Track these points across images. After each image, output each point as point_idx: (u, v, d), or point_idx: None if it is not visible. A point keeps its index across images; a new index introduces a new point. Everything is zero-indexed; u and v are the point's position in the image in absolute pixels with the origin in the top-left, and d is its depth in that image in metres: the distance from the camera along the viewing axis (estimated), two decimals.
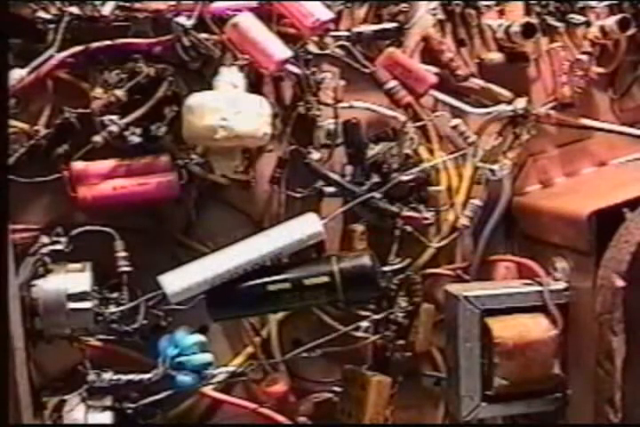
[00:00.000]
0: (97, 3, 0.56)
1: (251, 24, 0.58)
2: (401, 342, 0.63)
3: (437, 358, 0.66)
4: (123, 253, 0.56)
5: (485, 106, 0.66)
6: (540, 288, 0.62)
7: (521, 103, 0.66)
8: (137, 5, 0.56)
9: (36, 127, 0.56)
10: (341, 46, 0.62)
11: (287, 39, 0.59)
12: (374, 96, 0.63)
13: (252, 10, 0.58)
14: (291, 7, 0.58)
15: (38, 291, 0.54)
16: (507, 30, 0.66)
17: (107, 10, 0.56)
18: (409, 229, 0.63)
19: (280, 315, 0.62)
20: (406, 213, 0.63)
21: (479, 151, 0.66)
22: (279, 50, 0.57)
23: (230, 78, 0.57)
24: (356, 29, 0.62)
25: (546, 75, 0.69)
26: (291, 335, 0.63)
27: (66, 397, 0.56)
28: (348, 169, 0.63)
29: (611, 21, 0.68)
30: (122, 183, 0.57)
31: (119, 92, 0.56)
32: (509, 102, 0.66)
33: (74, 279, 0.54)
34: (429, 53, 0.65)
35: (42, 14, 0.55)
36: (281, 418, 0.62)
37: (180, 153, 0.58)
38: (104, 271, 0.56)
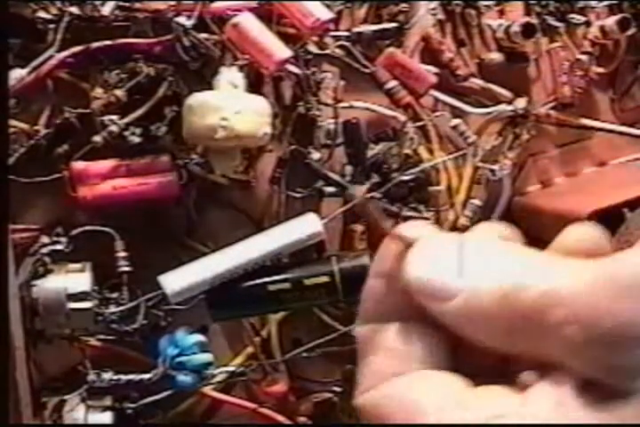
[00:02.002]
0: (97, 3, 0.56)
1: (251, 24, 0.57)
2: None
3: None
4: (123, 253, 0.56)
5: (485, 106, 0.66)
6: None
7: (521, 103, 0.66)
8: (137, 5, 0.56)
9: (35, 127, 0.56)
10: (341, 46, 0.62)
11: (287, 39, 0.59)
12: (374, 96, 0.63)
13: (251, 10, 0.58)
14: (291, 7, 0.58)
15: (38, 291, 0.54)
16: (507, 30, 0.66)
17: (107, 10, 0.56)
18: None
19: (280, 315, 0.62)
20: (406, 213, 0.63)
21: (479, 151, 0.66)
22: (279, 50, 0.57)
23: (230, 78, 0.57)
24: (355, 29, 0.62)
25: (546, 75, 0.69)
26: (291, 335, 0.63)
27: (66, 397, 0.55)
28: (348, 169, 0.63)
29: (611, 21, 0.68)
30: (122, 183, 0.57)
31: (119, 92, 0.56)
32: (509, 102, 0.66)
33: (74, 279, 0.54)
34: (429, 53, 0.65)
35: (42, 14, 0.55)
36: (281, 418, 0.62)
37: (180, 153, 0.58)
38: (104, 271, 0.56)
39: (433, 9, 0.64)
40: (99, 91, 0.56)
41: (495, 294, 0.24)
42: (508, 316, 0.24)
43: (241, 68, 0.57)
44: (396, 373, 0.25)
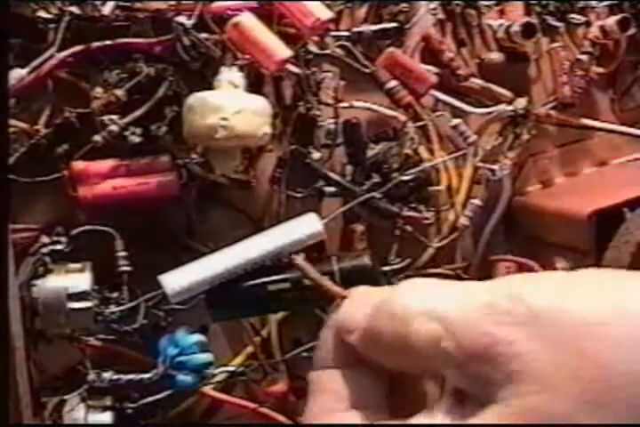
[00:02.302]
0: (97, 2, 0.56)
1: (251, 24, 0.58)
2: None
3: None
4: (123, 253, 0.56)
5: (486, 106, 0.66)
6: None
7: (521, 103, 0.66)
8: (137, 5, 0.56)
9: (36, 127, 0.56)
10: (342, 46, 0.62)
11: (287, 39, 0.59)
12: (374, 96, 0.63)
13: (252, 9, 0.58)
14: (291, 7, 0.58)
15: (38, 291, 0.54)
16: (507, 30, 0.66)
17: (107, 9, 0.56)
18: (409, 228, 0.63)
19: (280, 315, 0.62)
20: (406, 213, 0.63)
21: (479, 151, 0.66)
22: (279, 50, 0.57)
23: (230, 78, 0.57)
24: (356, 29, 0.62)
25: (546, 75, 0.69)
26: (291, 335, 0.63)
27: (66, 396, 0.55)
28: (349, 169, 0.62)
29: (611, 21, 0.68)
30: (122, 183, 0.57)
31: (119, 92, 0.56)
32: (510, 102, 0.66)
33: (74, 279, 0.54)
34: (430, 53, 0.65)
35: (42, 14, 0.55)
36: (281, 418, 0.62)
37: (181, 153, 0.58)
38: (104, 271, 0.56)
39: (433, 9, 0.64)
40: (99, 90, 0.56)
41: (383, 315, 0.29)
42: (389, 333, 0.29)
43: (241, 67, 0.57)
44: (330, 411, 0.30)
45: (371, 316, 0.30)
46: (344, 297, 0.32)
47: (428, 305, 0.28)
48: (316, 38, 0.60)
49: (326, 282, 0.34)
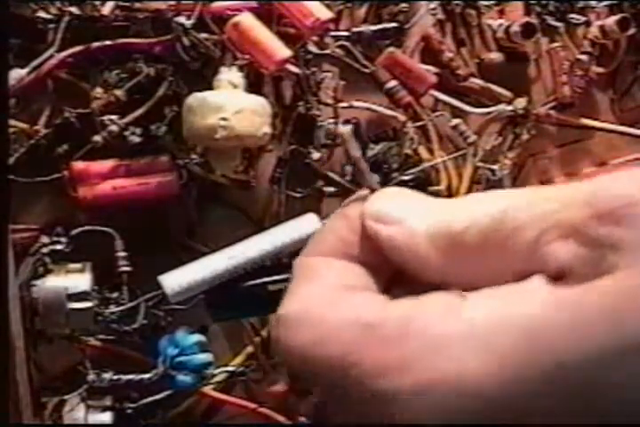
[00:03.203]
0: (97, 2, 0.56)
1: (251, 24, 0.58)
2: None
3: None
4: (123, 253, 0.56)
5: (485, 106, 0.66)
6: None
7: (521, 103, 0.66)
8: (137, 5, 0.56)
9: (35, 127, 0.56)
10: (341, 46, 0.62)
11: (287, 39, 0.59)
12: (374, 96, 0.63)
13: (251, 9, 0.58)
14: (291, 7, 0.58)
15: (38, 291, 0.54)
16: (507, 30, 0.66)
17: (107, 10, 0.56)
18: None
19: None
20: None
21: (479, 151, 0.66)
22: (279, 50, 0.57)
23: (230, 78, 0.57)
24: (355, 29, 0.62)
25: (546, 75, 0.69)
26: None
27: (66, 397, 0.55)
28: (348, 169, 0.63)
29: (611, 21, 0.68)
30: (122, 183, 0.57)
31: (119, 92, 0.56)
32: (509, 102, 0.66)
33: (74, 279, 0.54)
34: (429, 53, 0.65)
35: (42, 14, 0.55)
36: (281, 418, 0.62)
37: (180, 153, 0.58)
38: (104, 271, 0.56)
39: (433, 9, 0.64)
40: (98, 91, 0.56)
41: (465, 220, 0.27)
42: (479, 227, 0.26)
43: (241, 67, 0.57)
44: (334, 294, 0.28)
45: (442, 219, 0.27)
46: (373, 190, 0.30)
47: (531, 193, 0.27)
48: (315, 38, 0.60)
49: (363, 165, 0.32)
